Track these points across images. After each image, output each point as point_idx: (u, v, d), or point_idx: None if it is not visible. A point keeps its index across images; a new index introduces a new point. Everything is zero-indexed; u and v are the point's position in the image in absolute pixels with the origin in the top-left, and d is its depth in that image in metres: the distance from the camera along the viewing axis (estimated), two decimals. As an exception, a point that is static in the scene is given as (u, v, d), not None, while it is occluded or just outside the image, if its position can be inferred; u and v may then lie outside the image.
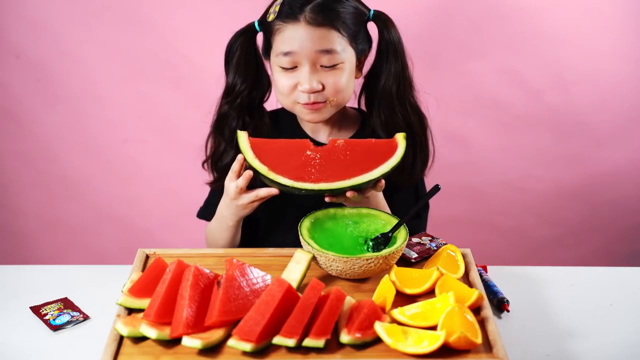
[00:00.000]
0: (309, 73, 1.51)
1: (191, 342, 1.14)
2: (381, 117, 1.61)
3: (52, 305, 1.37)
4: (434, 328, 1.18)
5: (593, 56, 2.21)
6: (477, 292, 1.25)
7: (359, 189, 1.42)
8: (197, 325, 1.17)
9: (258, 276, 1.25)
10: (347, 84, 1.55)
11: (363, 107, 1.70)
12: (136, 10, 2.16)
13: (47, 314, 1.35)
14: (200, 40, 2.18)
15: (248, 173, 1.43)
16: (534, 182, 2.36)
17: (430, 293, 1.31)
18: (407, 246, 1.46)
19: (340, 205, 1.47)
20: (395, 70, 1.58)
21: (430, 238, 1.50)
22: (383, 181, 1.44)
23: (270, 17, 1.52)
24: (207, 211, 1.68)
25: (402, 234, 1.38)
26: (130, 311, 1.24)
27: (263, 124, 1.66)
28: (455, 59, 2.23)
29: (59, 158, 2.32)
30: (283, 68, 1.53)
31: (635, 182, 2.36)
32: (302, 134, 1.67)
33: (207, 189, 1.72)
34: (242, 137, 1.45)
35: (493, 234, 2.42)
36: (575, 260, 2.40)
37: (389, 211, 1.58)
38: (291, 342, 1.14)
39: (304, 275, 1.31)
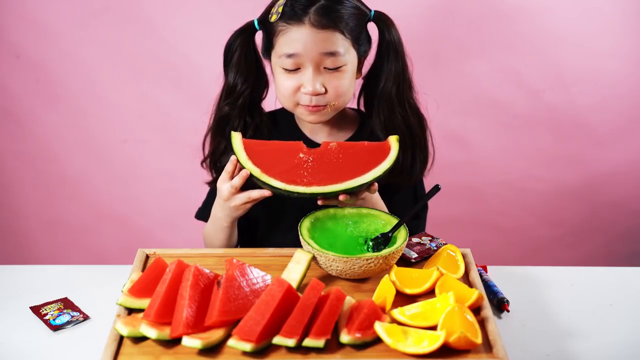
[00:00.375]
0: (313, 75, 1.51)
1: (191, 342, 1.14)
2: (380, 118, 1.61)
3: (52, 305, 1.37)
4: (434, 328, 1.18)
5: (593, 56, 2.21)
6: (477, 292, 1.25)
7: (352, 192, 1.42)
8: (197, 325, 1.17)
9: (258, 276, 1.25)
10: (348, 87, 1.55)
11: (362, 108, 1.70)
12: (136, 10, 2.16)
13: (47, 314, 1.34)
14: (200, 40, 2.18)
15: (245, 172, 1.43)
16: (534, 182, 2.36)
17: (430, 293, 1.31)
18: (407, 246, 1.46)
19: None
20: (396, 71, 1.58)
21: (430, 238, 1.50)
22: (376, 184, 1.44)
23: (273, 18, 1.52)
24: (205, 212, 1.68)
25: (402, 234, 1.38)
26: (130, 311, 1.24)
27: (263, 124, 1.66)
28: (455, 59, 2.23)
29: (59, 158, 2.32)
30: (286, 70, 1.52)
31: (635, 183, 2.36)
32: (301, 135, 1.67)
33: (207, 189, 1.72)
34: (236, 138, 1.45)
35: (493, 234, 2.42)
36: (575, 260, 2.40)
37: (385, 209, 1.58)
38: (291, 342, 1.14)
39: (304, 275, 1.31)
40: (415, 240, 1.49)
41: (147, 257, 1.43)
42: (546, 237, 2.43)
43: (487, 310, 1.24)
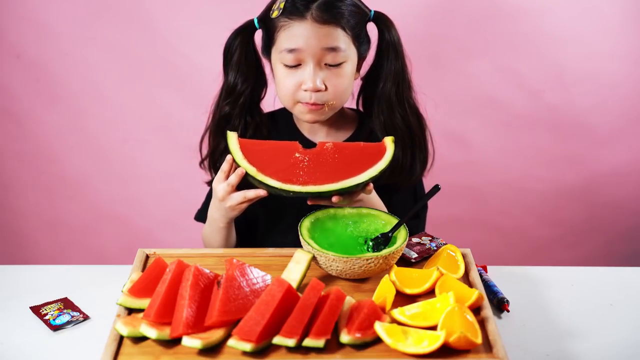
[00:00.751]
0: (313, 71, 1.51)
1: (191, 342, 1.14)
2: (380, 118, 1.61)
3: (52, 305, 1.37)
4: (434, 328, 1.18)
5: (593, 56, 2.21)
6: (477, 292, 1.25)
7: (346, 192, 1.42)
8: (197, 325, 1.17)
9: (258, 276, 1.25)
10: (348, 86, 1.55)
11: (361, 108, 1.70)
12: (136, 10, 2.16)
13: (47, 314, 1.34)
14: (200, 40, 2.18)
15: (240, 170, 1.43)
16: (534, 182, 2.36)
17: (430, 293, 1.31)
18: (407, 246, 1.46)
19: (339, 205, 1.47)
20: (395, 71, 1.58)
21: (430, 238, 1.50)
22: (371, 185, 1.44)
23: (274, 14, 1.52)
24: (204, 213, 1.67)
25: (402, 234, 1.38)
26: (130, 311, 1.24)
27: (263, 124, 1.66)
28: (455, 59, 2.23)
29: (59, 158, 2.32)
30: (286, 66, 1.52)
31: (635, 183, 2.36)
32: (300, 135, 1.67)
33: (207, 190, 1.72)
34: (232, 137, 1.46)
35: (493, 234, 2.42)
36: (575, 260, 2.40)
37: (384, 209, 1.58)
38: (291, 342, 1.14)
39: (304, 275, 1.31)
40: (415, 240, 1.49)
41: (147, 257, 1.43)
42: (546, 237, 2.43)
43: (487, 310, 1.24)
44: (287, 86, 1.54)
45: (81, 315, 1.35)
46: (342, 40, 1.51)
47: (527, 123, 2.29)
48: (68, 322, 1.33)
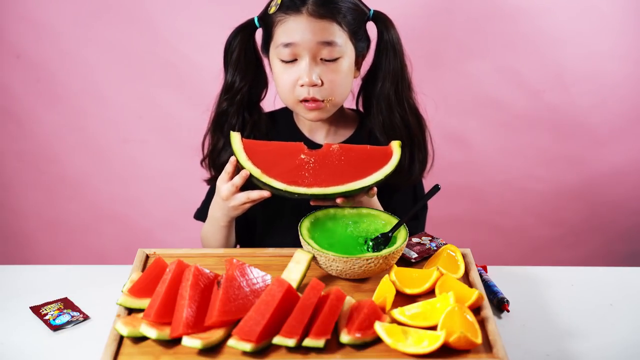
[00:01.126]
0: (309, 66, 1.51)
1: (191, 342, 1.14)
2: (379, 118, 1.61)
3: (52, 305, 1.37)
4: (434, 328, 1.18)
5: (593, 56, 2.21)
6: (477, 292, 1.25)
7: (350, 195, 1.42)
8: (197, 325, 1.17)
9: (258, 276, 1.25)
10: (345, 81, 1.55)
11: (361, 108, 1.70)
12: (136, 10, 2.16)
13: (47, 314, 1.34)
14: (200, 40, 2.18)
15: (245, 172, 1.43)
16: (534, 182, 2.36)
17: (430, 293, 1.31)
18: (407, 246, 1.46)
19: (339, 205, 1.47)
20: (394, 71, 1.58)
21: (430, 238, 1.50)
22: (375, 189, 1.44)
23: (272, 10, 1.53)
24: (203, 212, 1.67)
25: (402, 234, 1.38)
26: (130, 311, 1.24)
27: (261, 122, 1.66)
28: (455, 59, 2.23)
29: (59, 158, 2.32)
30: (283, 61, 1.53)
31: (635, 183, 2.36)
32: (300, 134, 1.67)
33: (207, 190, 1.72)
34: (235, 138, 1.45)
35: (493, 234, 2.42)
36: (575, 260, 2.40)
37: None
38: (291, 342, 1.14)
39: (304, 275, 1.31)
40: (415, 240, 1.49)
41: (147, 257, 1.43)
42: (546, 237, 2.43)
43: (487, 310, 1.24)
44: (284, 82, 1.54)
45: (81, 315, 1.35)
46: (338, 35, 1.51)
47: (527, 123, 2.29)
48: (68, 322, 1.33)
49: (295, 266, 1.32)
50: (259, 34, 1.62)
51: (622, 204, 2.39)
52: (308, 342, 1.14)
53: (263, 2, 1.60)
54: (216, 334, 1.16)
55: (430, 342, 1.14)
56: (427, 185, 1.65)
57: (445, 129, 2.25)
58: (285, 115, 1.69)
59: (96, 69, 2.22)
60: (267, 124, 1.67)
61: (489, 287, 1.43)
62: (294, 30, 1.50)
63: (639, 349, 1.29)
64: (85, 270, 1.51)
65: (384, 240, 1.39)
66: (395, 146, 1.46)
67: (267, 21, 1.56)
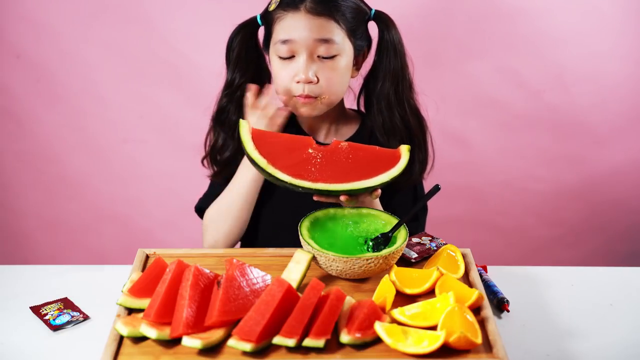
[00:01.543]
0: (306, 63, 1.51)
1: (191, 342, 1.14)
2: (379, 118, 1.61)
3: (52, 305, 1.37)
4: (434, 328, 1.18)
5: (593, 56, 2.21)
6: (477, 292, 1.25)
7: (354, 194, 1.42)
8: (197, 325, 1.17)
9: (258, 276, 1.25)
10: (341, 80, 1.55)
11: (362, 109, 1.70)
12: (136, 10, 2.16)
13: (47, 314, 1.35)
14: (200, 40, 2.18)
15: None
16: (534, 182, 2.36)
17: (430, 293, 1.31)
18: (407, 246, 1.46)
19: (339, 205, 1.47)
20: (394, 70, 1.58)
21: (430, 238, 1.50)
22: (379, 190, 1.44)
23: (272, 7, 1.54)
24: (207, 201, 1.67)
25: (402, 234, 1.38)
26: (130, 311, 1.24)
27: None
28: (455, 59, 2.23)
29: (59, 158, 2.32)
30: (281, 58, 1.53)
31: (635, 182, 2.36)
32: (300, 132, 1.67)
33: (208, 184, 1.72)
34: (244, 126, 1.43)
35: (493, 234, 2.42)
36: (575, 260, 2.40)
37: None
38: (291, 342, 1.14)
39: (304, 275, 1.31)
40: (415, 240, 1.49)
41: (147, 257, 1.43)
42: (546, 237, 2.43)
43: (487, 310, 1.24)
44: (281, 79, 1.54)
45: (81, 315, 1.35)
46: (336, 33, 1.51)
47: (527, 123, 2.29)
48: (68, 322, 1.33)
49: (295, 266, 1.32)
50: (262, 32, 1.62)
51: (622, 203, 2.39)
52: (308, 342, 1.14)
53: (263, 1, 1.60)
54: (216, 334, 1.16)
55: (430, 342, 1.14)
56: (427, 185, 1.65)
57: (446, 129, 2.25)
58: (287, 114, 1.70)
59: (96, 69, 2.22)
60: None
61: (489, 287, 1.43)
62: (292, 27, 1.50)
63: (639, 349, 1.29)
64: (85, 270, 1.51)
65: (384, 240, 1.39)
66: (404, 150, 1.45)
67: (267, 19, 1.57)
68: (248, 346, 1.13)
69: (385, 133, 1.60)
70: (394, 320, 1.22)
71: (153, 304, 1.19)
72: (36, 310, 1.36)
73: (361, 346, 1.17)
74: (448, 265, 1.39)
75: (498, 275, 1.50)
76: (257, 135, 1.42)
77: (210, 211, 1.64)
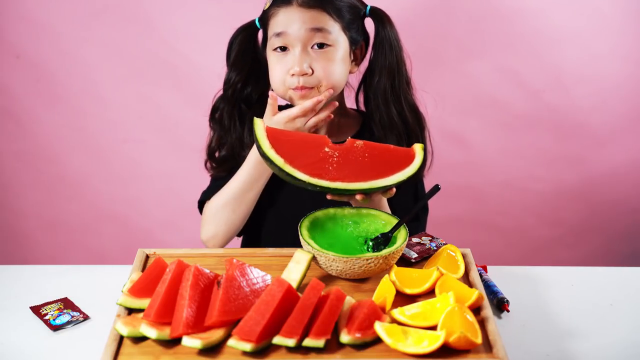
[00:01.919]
0: (300, 55, 1.52)
1: (191, 342, 1.14)
2: (377, 114, 1.62)
3: (52, 305, 1.37)
4: (434, 328, 1.18)
5: (593, 57, 2.21)
6: (477, 292, 1.25)
7: (369, 192, 1.41)
8: (197, 325, 1.17)
9: (258, 276, 1.25)
10: (337, 70, 1.55)
11: (362, 107, 1.70)
12: (136, 10, 2.16)
13: (47, 314, 1.35)
14: (200, 40, 2.18)
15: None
16: (534, 182, 2.36)
17: (430, 293, 1.31)
18: (407, 246, 1.46)
19: (339, 205, 1.47)
20: (390, 66, 1.59)
21: (430, 238, 1.50)
22: (394, 189, 1.44)
23: (266, 6, 1.57)
24: (212, 190, 1.66)
25: (402, 234, 1.38)
26: (130, 311, 1.24)
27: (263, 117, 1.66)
28: (454, 58, 2.23)
29: (59, 158, 2.32)
30: (276, 51, 1.54)
31: (635, 182, 2.36)
32: (302, 131, 1.67)
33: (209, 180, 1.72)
34: (259, 124, 1.40)
35: (493, 234, 2.42)
36: (575, 260, 2.40)
37: (389, 212, 1.58)
38: (291, 342, 1.14)
39: (304, 275, 1.31)
40: (415, 240, 1.49)
41: (147, 257, 1.43)
42: (546, 237, 2.43)
43: (487, 310, 1.24)
44: (277, 73, 1.55)
45: (81, 315, 1.35)
46: (330, 24, 1.53)
47: (527, 123, 2.29)
48: (68, 322, 1.33)
49: (295, 266, 1.32)
50: (261, 35, 1.63)
51: (622, 203, 2.39)
52: (308, 342, 1.14)
53: (263, 2, 1.61)
54: (216, 334, 1.16)
55: (430, 342, 1.14)
56: (427, 185, 1.65)
57: (445, 128, 2.25)
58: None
59: (96, 69, 2.22)
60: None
61: (489, 287, 1.43)
62: (285, 20, 1.53)
63: (639, 349, 1.29)
64: (85, 270, 1.51)
65: (384, 240, 1.39)
66: (418, 149, 1.45)
67: (263, 19, 1.59)
68: (248, 346, 1.13)
69: (382, 128, 1.61)
70: (394, 320, 1.22)
71: (153, 304, 1.19)
72: (36, 310, 1.36)
73: (361, 346, 1.17)
74: (448, 265, 1.39)
75: (498, 275, 1.50)
76: (272, 134, 1.41)
77: (212, 202, 1.63)
